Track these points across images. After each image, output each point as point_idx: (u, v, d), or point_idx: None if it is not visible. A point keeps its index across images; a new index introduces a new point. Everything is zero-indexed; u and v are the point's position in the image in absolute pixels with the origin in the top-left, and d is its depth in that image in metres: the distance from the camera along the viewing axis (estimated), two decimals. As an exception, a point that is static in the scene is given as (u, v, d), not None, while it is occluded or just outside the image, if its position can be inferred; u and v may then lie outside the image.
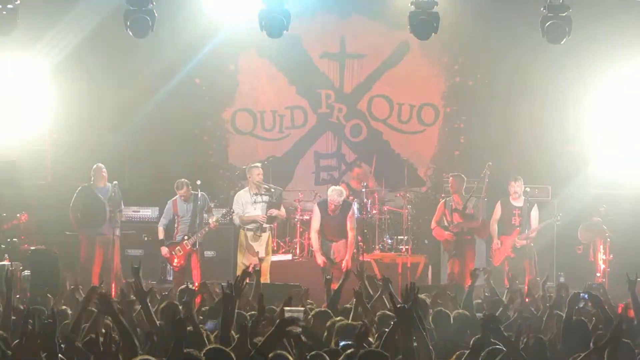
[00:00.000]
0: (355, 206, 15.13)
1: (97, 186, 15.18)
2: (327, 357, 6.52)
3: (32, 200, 16.10)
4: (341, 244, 14.55)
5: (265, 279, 13.84)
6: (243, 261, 14.62)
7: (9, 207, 15.51)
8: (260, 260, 14.40)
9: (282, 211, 14.95)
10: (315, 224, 14.56)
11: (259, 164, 15.10)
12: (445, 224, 14.97)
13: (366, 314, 8.82)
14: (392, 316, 7.91)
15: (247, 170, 14.93)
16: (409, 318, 6.23)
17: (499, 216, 15.21)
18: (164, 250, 14.91)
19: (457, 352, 6.73)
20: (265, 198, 14.66)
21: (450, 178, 15.21)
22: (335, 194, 14.44)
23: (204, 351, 6.04)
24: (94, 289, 8.59)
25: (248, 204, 14.63)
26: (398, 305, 6.33)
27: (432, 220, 15.27)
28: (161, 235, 15.01)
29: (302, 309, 8.32)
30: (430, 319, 8.40)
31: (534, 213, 15.14)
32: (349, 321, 8.26)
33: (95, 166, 15.24)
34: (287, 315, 6.83)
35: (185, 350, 6.03)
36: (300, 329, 6.91)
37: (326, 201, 14.53)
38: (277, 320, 6.24)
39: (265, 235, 14.67)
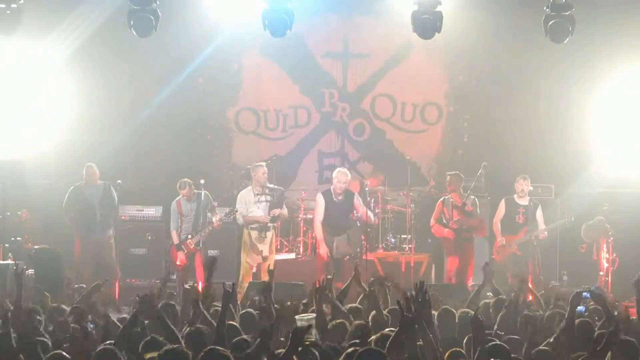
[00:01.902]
0: (357, 196, 15.04)
1: (89, 186, 15.19)
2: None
3: (37, 199, 16.13)
4: (343, 239, 14.58)
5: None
6: (247, 260, 14.65)
7: (15, 206, 15.52)
8: (264, 259, 14.45)
9: (285, 210, 14.98)
10: (320, 213, 14.56)
11: (263, 163, 15.12)
12: (444, 221, 14.96)
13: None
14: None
15: (252, 169, 14.94)
16: (412, 326, 6.28)
17: (502, 215, 15.18)
18: (181, 255, 14.89)
19: (451, 350, 6.76)
20: (268, 197, 14.69)
21: (448, 177, 15.19)
22: (340, 174, 14.51)
23: (203, 352, 6.04)
24: (96, 287, 8.62)
25: (251, 203, 14.65)
26: (405, 313, 6.37)
27: (431, 218, 15.26)
28: (176, 240, 14.98)
29: (313, 314, 8.28)
30: (436, 317, 8.42)
31: (539, 213, 15.12)
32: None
33: (86, 166, 15.24)
34: (298, 324, 6.85)
35: (176, 346, 6.06)
36: (316, 337, 6.94)
37: (330, 190, 14.57)
38: (291, 334, 6.24)
39: (270, 235, 14.70)
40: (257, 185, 14.71)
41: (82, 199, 15.10)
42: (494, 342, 6.79)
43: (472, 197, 15.00)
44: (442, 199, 15.18)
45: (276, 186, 15.04)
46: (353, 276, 10.28)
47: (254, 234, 14.61)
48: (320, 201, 14.62)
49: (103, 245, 15.01)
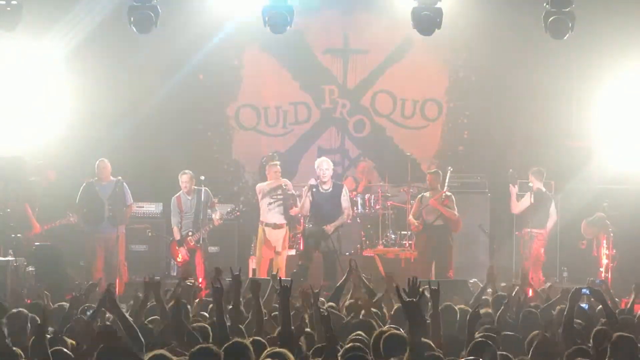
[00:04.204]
0: (345, 189, 15.06)
1: (101, 182, 15.17)
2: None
3: (37, 196, 16.11)
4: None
5: (281, 272, 14.03)
6: (261, 256, 14.78)
7: (16, 202, 15.48)
8: (277, 254, 14.55)
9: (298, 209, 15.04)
10: (306, 202, 14.55)
11: (277, 162, 15.18)
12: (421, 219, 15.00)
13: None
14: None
15: (266, 167, 15.08)
16: (417, 312, 6.26)
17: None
18: (183, 251, 14.93)
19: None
20: (280, 201, 14.77)
21: (428, 175, 15.23)
22: (322, 162, 14.64)
23: (224, 347, 6.01)
24: (92, 287, 8.64)
25: (267, 197, 14.72)
26: (406, 300, 6.36)
27: (409, 215, 15.29)
28: (177, 236, 15.01)
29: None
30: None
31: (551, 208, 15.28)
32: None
33: (98, 161, 15.25)
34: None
35: (208, 345, 6.05)
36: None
37: (316, 184, 14.57)
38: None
39: (283, 230, 14.83)
40: (272, 182, 14.83)
41: (93, 194, 15.05)
42: (478, 339, 6.82)
43: (449, 194, 15.04)
44: (420, 195, 15.22)
45: (289, 190, 14.98)
46: (348, 272, 10.24)
47: (267, 229, 14.73)
48: (305, 192, 14.68)
49: (110, 243, 14.97)
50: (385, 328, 7.18)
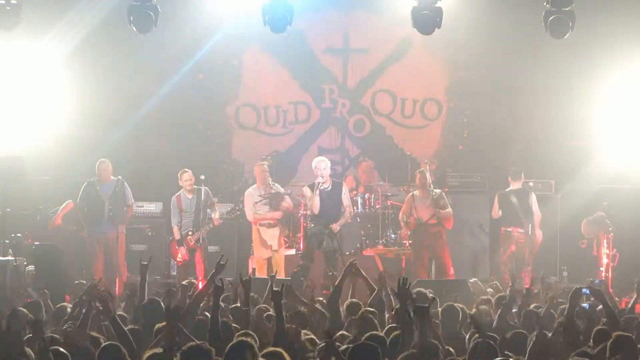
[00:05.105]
0: (345, 187, 15.05)
1: (102, 182, 15.14)
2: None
3: (36, 196, 16.12)
4: (331, 233, 14.59)
5: (280, 271, 14.07)
6: (259, 255, 14.78)
7: (15, 202, 15.49)
8: (274, 252, 14.62)
9: (289, 203, 15.00)
10: (316, 202, 14.39)
11: (264, 163, 15.20)
12: (413, 217, 14.98)
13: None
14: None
15: (254, 168, 15.08)
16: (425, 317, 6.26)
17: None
18: (183, 251, 14.92)
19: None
20: (269, 197, 14.78)
21: (417, 174, 15.21)
22: (319, 162, 14.51)
23: (230, 345, 6.00)
24: (93, 286, 8.64)
25: (257, 202, 14.77)
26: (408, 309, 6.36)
27: (400, 213, 15.28)
28: (177, 235, 15.00)
29: None
30: (440, 313, 8.47)
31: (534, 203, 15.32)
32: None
33: (99, 161, 15.23)
34: None
35: (200, 343, 6.05)
36: None
37: (314, 183, 14.51)
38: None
39: (277, 229, 14.82)
40: (260, 183, 14.82)
41: (94, 194, 15.01)
42: (480, 340, 6.81)
43: (438, 190, 15.05)
44: (411, 194, 15.23)
45: (278, 189, 14.99)
46: (344, 273, 10.20)
47: (262, 229, 14.73)
48: (307, 194, 14.61)
49: (110, 242, 14.95)
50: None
